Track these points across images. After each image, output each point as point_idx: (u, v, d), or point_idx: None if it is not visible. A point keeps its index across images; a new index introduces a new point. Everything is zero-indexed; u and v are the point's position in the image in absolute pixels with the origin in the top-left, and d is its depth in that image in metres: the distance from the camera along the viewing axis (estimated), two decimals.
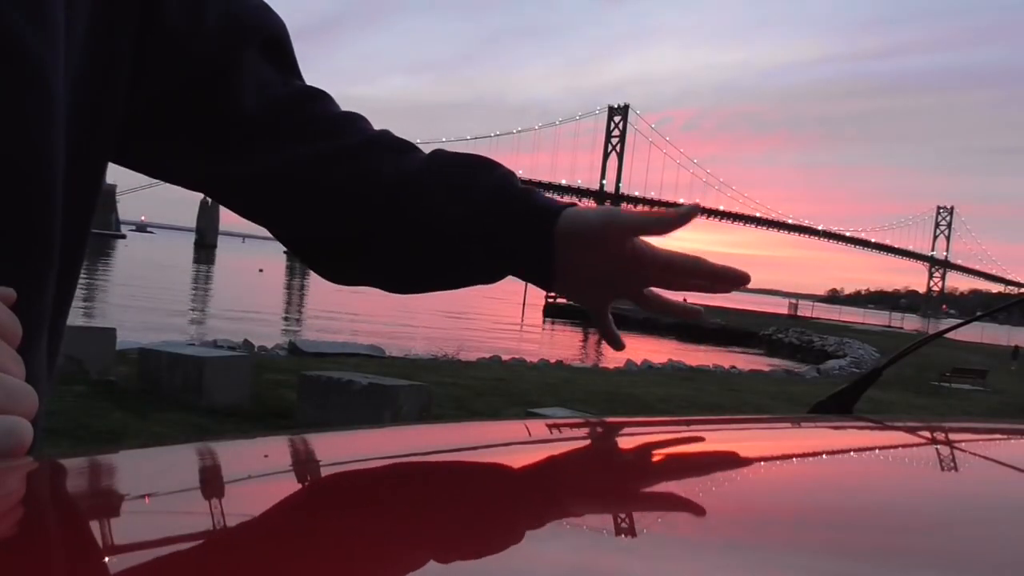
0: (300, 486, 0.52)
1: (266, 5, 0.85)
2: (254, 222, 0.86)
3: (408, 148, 0.86)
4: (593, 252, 0.82)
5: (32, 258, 0.65)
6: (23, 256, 0.64)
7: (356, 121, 0.86)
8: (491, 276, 0.86)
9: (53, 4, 0.64)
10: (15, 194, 0.63)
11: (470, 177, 0.83)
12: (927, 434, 0.84)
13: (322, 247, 0.87)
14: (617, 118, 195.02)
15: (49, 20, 0.64)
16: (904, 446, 0.78)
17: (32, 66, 0.63)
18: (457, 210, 0.82)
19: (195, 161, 0.82)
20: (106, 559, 0.36)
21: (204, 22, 0.79)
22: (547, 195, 0.84)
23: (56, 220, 0.66)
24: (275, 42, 0.84)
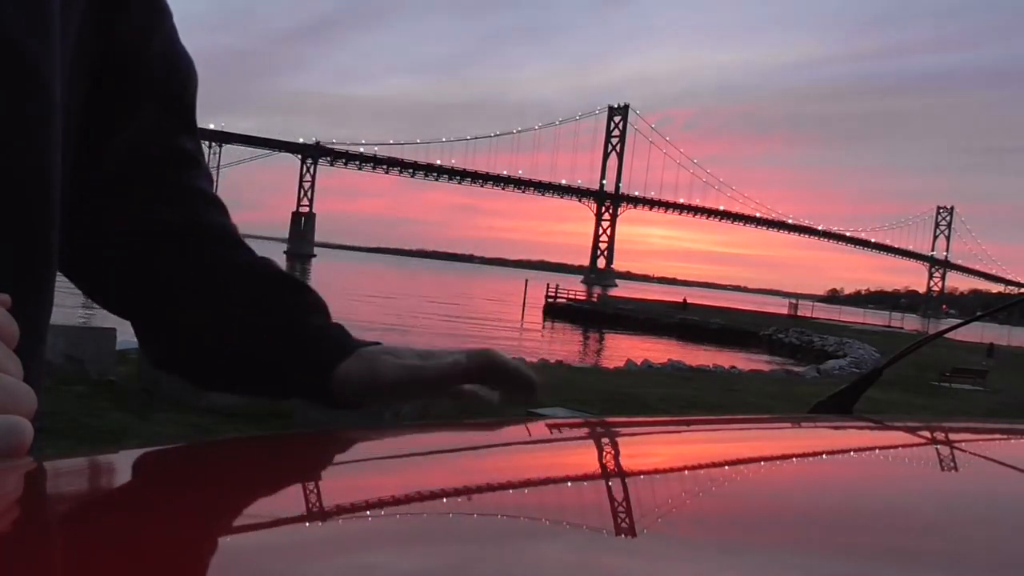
0: (300, 486, 0.52)
1: (191, 58, 0.83)
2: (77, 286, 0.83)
3: (239, 245, 0.84)
4: (366, 396, 0.82)
5: (34, 264, 0.66)
6: (26, 262, 0.65)
7: (211, 201, 0.84)
8: (276, 395, 0.87)
9: (52, 13, 0.65)
10: (19, 202, 0.64)
11: (276, 297, 0.82)
12: (927, 434, 0.84)
13: (137, 321, 0.85)
14: (617, 118, 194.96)
15: (50, 30, 0.65)
16: (904, 446, 0.78)
17: (34, 75, 0.63)
18: (247, 324, 0.81)
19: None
20: (106, 559, 0.36)
21: (151, 47, 0.78)
22: (343, 338, 0.83)
23: (55, 228, 0.67)
24: (184, 96, 0.82)
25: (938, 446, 0.79)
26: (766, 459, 0.68)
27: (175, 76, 0.81)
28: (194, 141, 0.84)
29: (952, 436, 0.85)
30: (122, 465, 0.55)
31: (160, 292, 0.81)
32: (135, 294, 0.82)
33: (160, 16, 0.79)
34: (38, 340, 0.69)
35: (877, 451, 0.76)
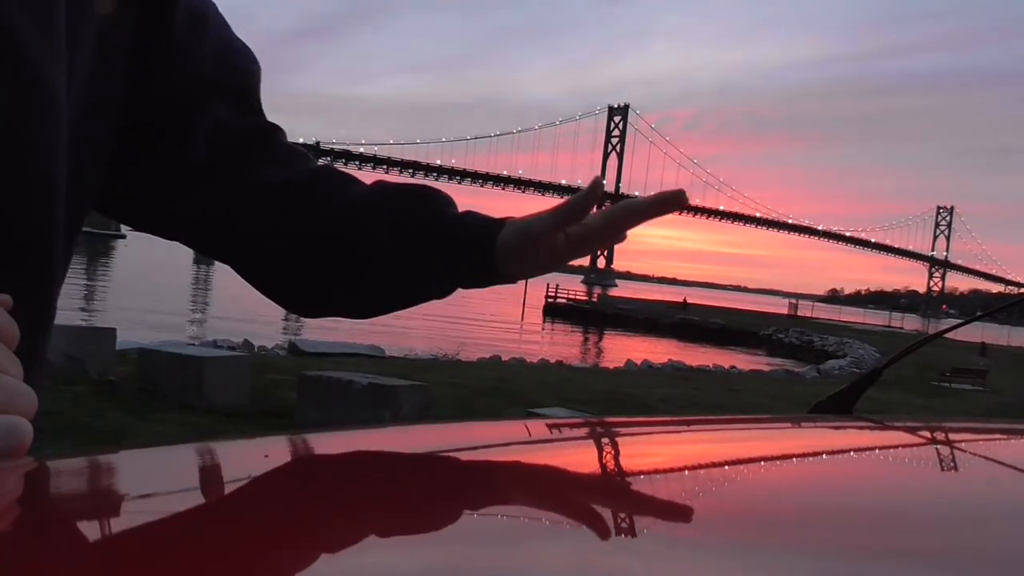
0: (300, 486, 0.52)
1: (247, 47, 0.86)
2: (212, 257, 0.88)
3: (351, 179, 0.88)
4: (526, 260, 0.84)
5: (38, 271, 0.66)
6: (30, 269, 0.65)
7: (304, 156, 0.88)
8: (440, 295, 0.89)
9: (59, 21, 0.65)
10: (24, 211, 0.64)
11: (411, 209, 0.85)
12: (927, 434, 0.84)
13: (278, 280, 0.88)
14: (617, 118, 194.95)
15: (57, 37, 0.65)
16: (904, 446, 0.78)
17: (42, 86, 0.64)
18: (400, 240, 0.84)
19: (142, 200, 0.83)
20: (106, 559, 0.36)
21: (201, 48, 0.80)
22: (479, 215, 0.86)
23: (59, 235, 0.67)
24: (249, 88, 0.86)
25: (938, 446, 0.79)
26: (766, 459, 0.68)
27: (233, 73, 0.84)
28: (263, 118, 0.87)
29: (952, 436, 0.85)
30: (122, 465, 0.55)
31: (306, 243, 0.84)
32: (283, 250, 0.85)
33: (204, 21, 0.81)
34: (40, 344, 0.69)
35: (877, 451, 0.75)
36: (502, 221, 0.84)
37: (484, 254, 0.83)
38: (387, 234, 0.84)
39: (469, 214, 0.86)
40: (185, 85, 0.79)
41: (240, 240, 0.85)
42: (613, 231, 0.83)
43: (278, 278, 0.87)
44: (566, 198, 0.84)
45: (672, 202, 0.80)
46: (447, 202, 0.87)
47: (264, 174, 0.83)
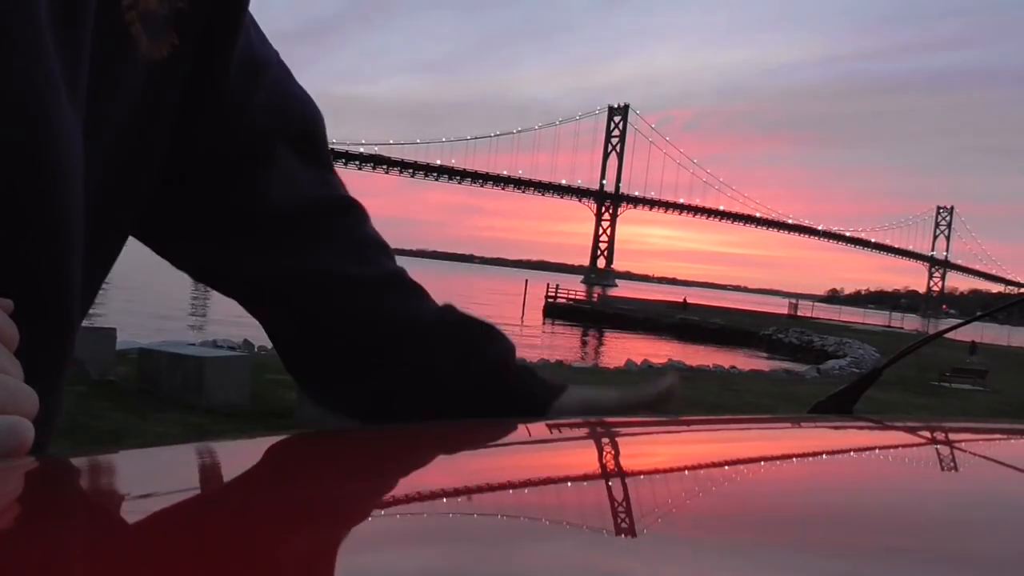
0: (300, 486, 0.52)
1: (308, 96, 0.83)
2: (253, 316, 0.84)
3: (421, 293, 0.84)
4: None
5: (56, 321, 0.65)
6: (48, 320, 0.64)
7: (381, 248, 0.84)
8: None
9: (83, 78, 0.63)
10: (39, 264, 0.62)
11: (477, 345, 0.82)
12: (927, 434, 0.84)
13: (313, 366, 0.85)
14: (617, 118, 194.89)
15: (79, 86, 0.63)
16: (904, 446, 0.78)
17: (56, 139, 0.61)
18: (458, 374, 0.81)
19: (204, 248, 0.80)
20: (106, 559, 0.36)
21: (255, 98, 0.77)
22: (539, 376, 0.84)
23: (76, 288, 0.65)
24: (311, 136, 0.82)
25: (938, 446, 0.79)
26: (766, 459, 0.68)
27: (291, 121, 0.80)
28: (338, 181, 0.84)
29: (952, 436, 0.85)
30: (122, 465, 0.55)
31: (357, 333, 0.81)
32: (324, 335, 0.82)
33: (262, 69, 0.78)
34: (61, 385, 0.69)
35: (877, 451, 0.75)
36: (564, 385, 0.83)
37: (536, 408, 0.81)
38: (451, 366, 0.81)
39: (528, 370, 0.84)
40: (239, 135, 0.77)
41: (285, 315, 0.81)
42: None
43: (306, 363, 0.84)
44: (645, 394, 0.83)
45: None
46: (510, 348, 0.84)
47: (331, 257, 0.80)
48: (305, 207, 0.80)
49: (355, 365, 0.82)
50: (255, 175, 0.78)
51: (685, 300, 63.70)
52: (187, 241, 0.81)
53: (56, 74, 0.60)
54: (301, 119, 0.82)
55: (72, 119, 0.62)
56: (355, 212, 0.84)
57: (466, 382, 0.81)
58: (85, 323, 0.78)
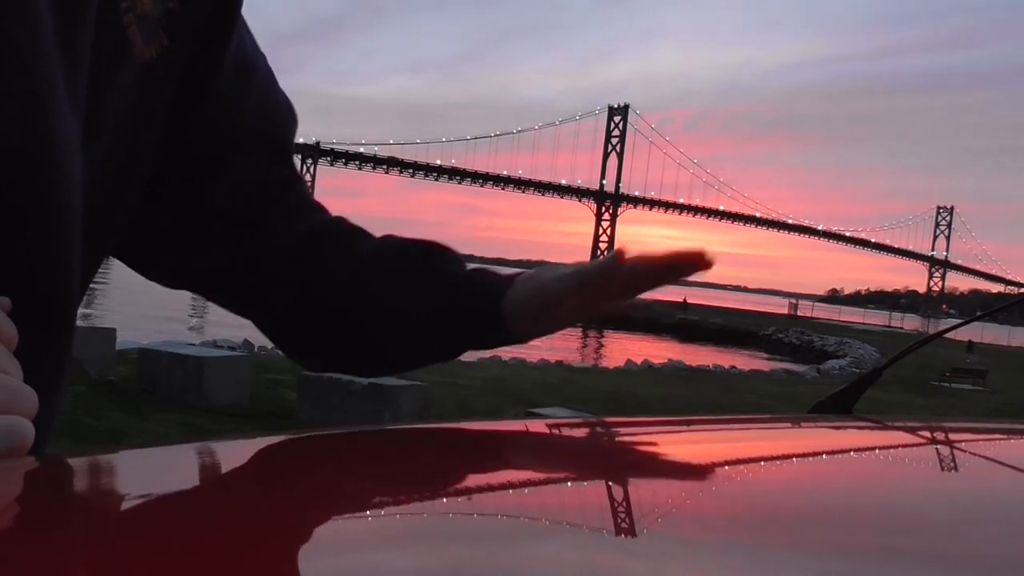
0: (300, 486, 0.52)
1: (289, 101, 0.85)
2: (224, 308, 0.87)
3: (362, 234, 0.86)
4: (538, 323, 0.82)
5: (58, 323, 0.65)
6: (48, 321, 0.64)
7: (317, 209, 0.87)
8: (444, 357, 0.87)
9: (81, 86, 0.63)
10: (39, 264, 0.62)
11: (415, 266, 0.83)
12: (927, 434, 0.84)
13: (283, 331, 0.87)
14: (617, 118, 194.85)
15: (78, 86, 0.63)
16: (904, 446, 0.78)
17: (56, 136, 0.61)
18: (401, 299, 0.82)
19: (157, 250, 0.82)
20: (106, 559, 0.36)
21: (246, 101, 0.79)
22: (488, 273, 0.84)
23: (76, 287, 0.66)
24: (288, 142, 0.85)
25: (938, 446, 0.79)
26: (766, 459, 0.68)
27: (274, 128, 0.83)
28: (305, 189, 0.86)
29: (952, 436, 0.85)
30: (122, 465, 0.55)
31: (316, 296, 0.83)
32: (290, 306, 0.84)
33: (251, 73, 0.80)
34: (61, 388, 0.69)
35: (877, 451, 0.76)
36: (511, 280, 0.82)
37: (489, 316, 0.81)
38: (389, 292, 0.82)
39: (478, 272, 0.84)
40: (223, 137, 0.78)
41: (250, 291, 0.84)
42: (629, 295, 0.81)
43: (283, 329, 0.86)
44: (586, 262, 0.81)
45: (692, 266, 0.77)
46: (454, 261, 0.84)
47: (279, 225, 0.82)
48: (259, 195, 0.82)
49: (312, 314, 0.84)
50: (218, 180, 0.80)
51: (685, 300, 63.65)
52: (166, 245, 0.82)
53: (57, 76, 0.60)
54: (284, 125, 0.84)
55: (71, 121, 0.62)
56: (299, 184, 0.86)
57: (407, 302, 0.82)
58: (85, 323, 0.78)
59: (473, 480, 0.54)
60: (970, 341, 37.37)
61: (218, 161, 0.79)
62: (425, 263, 0.84)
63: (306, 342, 0.87)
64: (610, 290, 0.80)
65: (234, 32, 0.76)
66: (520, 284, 0.81)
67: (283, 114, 0.84)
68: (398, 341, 0.85)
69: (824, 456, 0.72)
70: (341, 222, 0.87)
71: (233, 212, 0.80)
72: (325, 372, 0.90)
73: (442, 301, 0.82)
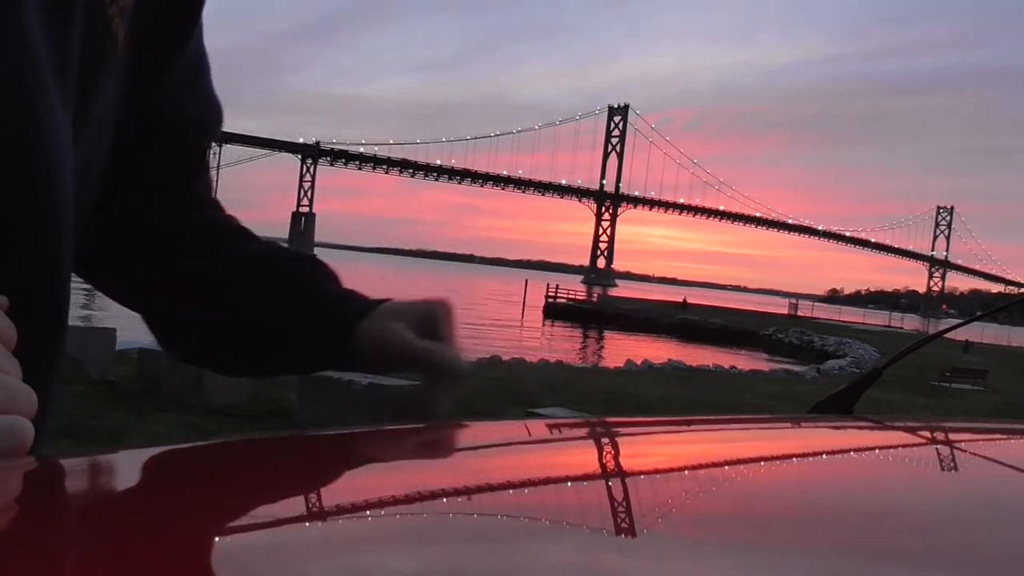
0: (300, 486, 0.52)
1: (219, 102, 0.85)
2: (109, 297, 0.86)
3: (247, 236, 0.86)
4: (380, 362, 0.81)
5: (52, 313, 0.65)
6: (42, 312, 0.64)
7: (209, 205, 0.87)
8: (298, 368, 0.87)
9: (71, 79, 0.63)
10: (36, 252, 0.62)
11: (287, 276, 0.83)
12: (927, 434, 0.84)
13: (156, 322, 0.87)
14: (617, 118, 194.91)
15: (69, 80, 0.63)
16: (904, 446, 0.78)
17: (48, 128, 0.61)
18: (268, 308, 0.82)
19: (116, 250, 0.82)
20: (106, 559, 0.36)
21: (190, 97, 0.80)
22: (352, 300, 0.83)
23: (68, 276, 0.66)
24: (208, 143, 0.86)
25: (938, 446, 0.79)
26: (766, 459, 0.68)
27: (205, 130, 0.84)
28: (201, 164, 0.86)
29: (952, 436, 0.85)
30: (122, 465, 0.55)
31: (177, 288, 0.83)
32: (153, 293, 0.84)
33: (199, 72, 0.81)
34: (58, 384, 0.69)
35: (877, 451, 0.76)
36: (369, 309, 0.81)
37: (338, 343, 0.80)
38: (249, 299, 0.82)
39: (341, 295, 0.83)
40: (158, 130, 0.79)
41: (124, 281, 0.84)
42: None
43: (154, 320, 0.86)
44: (434, 356, 0.79)
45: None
46: (323, 278, 0.84)
47: (163, 216, 0.82)
48: (164, 189, 0.82)
49: (179, 308, 0.84)
50: (150, 169, 0.80)
51: (685, 300, 63.66)
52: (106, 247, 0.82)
53: (48, 75, 0.60)
54: (213, 129, 0.85)
55: (62, 120, 0.62)
56: (202, 177, 0.87)
57: (276, 308, 0.81)
58: (85, 323, 0.78)
59: (473, 480, 0.54)
60: (967, 341, 37.41)
61: (143, 151, 0.79)
62: (291, 276, 0.83)
63: (172, 335, 0.87)
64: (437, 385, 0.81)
65: (195, 28, 0.77)
66: (372, 324, 0.80)
67: (214, 118, 0.85)
68: (251, 348, 0.84)
69: (824, 456, 0.72)
70: (227, 220, 0.87)
71: (127, 200, 0.80)
72: (189, 364, 0.91)
73: (296, 318, 0.81)
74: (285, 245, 0.88)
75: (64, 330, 0.68)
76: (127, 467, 0.54)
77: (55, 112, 0.61)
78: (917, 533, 0.46)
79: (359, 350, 0.79)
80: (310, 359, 0.84)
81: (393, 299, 0.84)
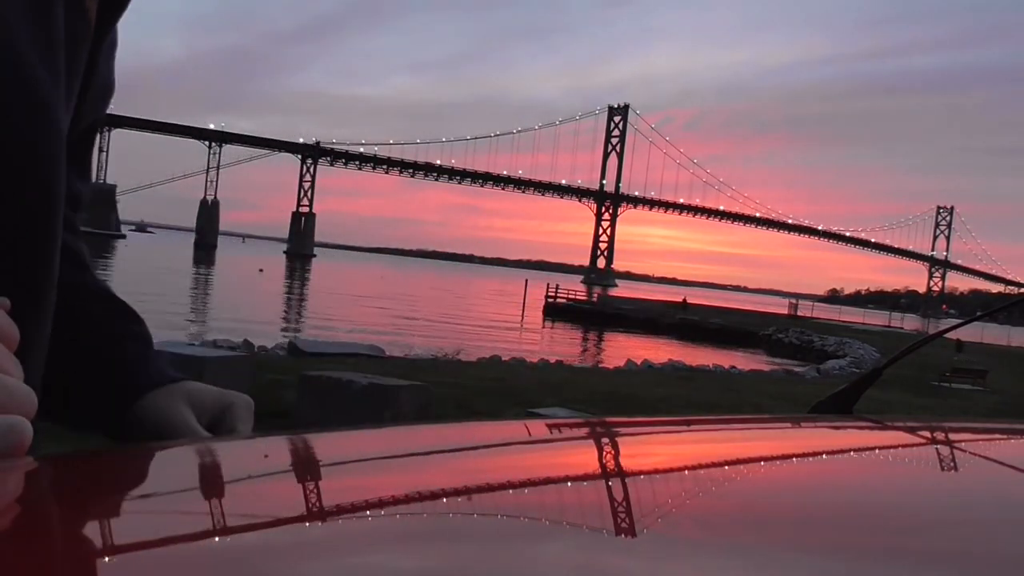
0: (300, 486, 0.52)
1: (114, 81, 0.81)
2: None
3: (79, 267, 0.81)
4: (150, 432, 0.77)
5: (40, 287, 0.66)
6: (33, 286, 0.64)
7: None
8: (69, 425, 0.80)
9: (59, 47, 0.64)
10: (26, 224, 0.63)
11: (82, 325, 0.79)
12: (927, 434, 0.84)
13: None
14: (617, 118, 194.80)
15: (57, 63, 0.64)
16: (904, 446, 0.78)
17: (44, 109, 0.62)
18: (64, 355, 0.75)
19: None
20: (106, 559, 0.36)
21: (106, 71, 0.77)
22: (155, 364, 0.80)
23: (57, 248, 0.66)
24: (98, 122, 0.82)
25: (938, 446, 0.79)
26: (766, 459, 0.68)
27: (103, 104, 0.80)
28: (85, 174, 0.82)
29: (952, 436, 0.85)
30: (122, 465, 0.55)
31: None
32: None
33: (113, 47, 0.78)
34: (43, 355, 0.69)
35: (877, 451, 0.76)
36: (156, 386, 0.78)
37: (116, 407, 0.76)
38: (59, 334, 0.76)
39: (140, 362, 0.79)
40: (85, 114, 0.76)
41: None
42: None
43: None
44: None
45: None
46: (135, 335, 0.80)
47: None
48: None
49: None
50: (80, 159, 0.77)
51: (685, 300, 63.63)
52: None
53: (34, 60, 0.61)
54: (110, 98, 0.81)
55: (59, 108, 0.63)
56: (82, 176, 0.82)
57: (64, 353, 0.75)
58: None
59: (473, 480, 0.54)
60: (958, 340, 37.40)
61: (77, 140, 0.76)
62: (99, 326, 0.79)
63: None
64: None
65: (127, 6, 0.76)
66: (160, 400, 0.77)
67: (111, 91, 0.81)
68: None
69: (824, 456, 0.72)
70: (66, 241, 0.80)
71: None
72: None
73: (82, 372, 0.77)
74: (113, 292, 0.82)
75: (50, 317, 0.68)
76: (127, 467, 0.54)
77: (52, 103, 0.62)
78: (917, 533, 0.46)
79: (140, 421, 0.76)
80: (82, 415, 0.79)
81: (197, 382, 0.80)
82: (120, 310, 0.82)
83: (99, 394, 0.78)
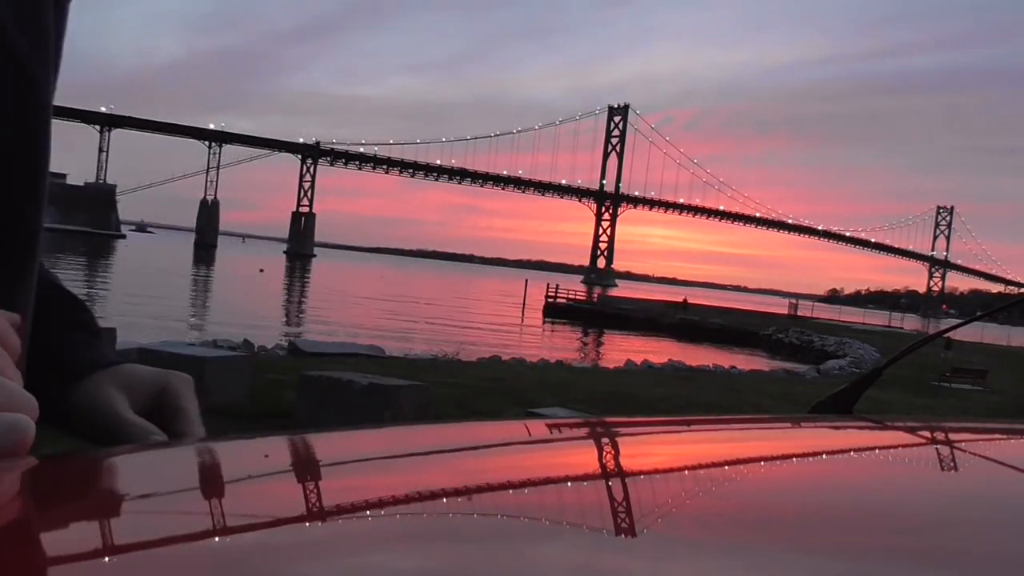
0: (300, 486, 0.52)
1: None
2: None
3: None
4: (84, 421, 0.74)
5: (22, 270, 0.66)
6: (16, 267, 0.65)
7: None
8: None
9: (48, 24, 0.64)
10: (15, 208, 0.64)
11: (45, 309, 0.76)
12: (927, 434, 0.84)
13: None
14: (617, 118, 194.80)
15: (46, 41, 0.64)
16: (904, 446, 0.78)
17: (32, 86, 0.63)
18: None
19: None
20: (106, 559, 0.36)
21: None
22: (89, 351, 0.77)
23: (40, 230, 0.67)
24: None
25: (938, 446, 0.79)
26: (766, 459, 0.68)
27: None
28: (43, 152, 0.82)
29: (952, 436, 0.85)
30: (122, 465, 0.55)
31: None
32: None
33: (62, 33, 0.78)
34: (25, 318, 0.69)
35: (877, 451, 0.76)
36: (84, 375, 0.75)
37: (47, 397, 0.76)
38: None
39: (73, 348, 0.77)
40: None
41: None
42: None
43: None
44: (138, 436, 0.71)
45: None
46: (70, 322, 0.78)
47: None
48: None
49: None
50: None
51: (685, 300, 63.62)
52: None
53: (27, 59, 0.62)
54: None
55: (39, 56, 0.64)
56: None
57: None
58: None
59: (473, 480, 0.54)
60: (948, 339, 37.46)
61: None
62: (51, 308, 0.77)
63: None
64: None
65: None
66: (89, 386, 0.75)
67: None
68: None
69: (824, 456, 0.72)
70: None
71: None
72: None
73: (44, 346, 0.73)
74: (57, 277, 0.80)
75: (37, 252, 0.68)
76: (127, 467, 0.54)
77: (43, 87, 0.63)
78: (917, 533, 0.46)
79: (74, 408, 0.73)
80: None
81: (134, 364, 0.78)
82: (62, 298, 0.80)
83: (37, 384, 0.77)
